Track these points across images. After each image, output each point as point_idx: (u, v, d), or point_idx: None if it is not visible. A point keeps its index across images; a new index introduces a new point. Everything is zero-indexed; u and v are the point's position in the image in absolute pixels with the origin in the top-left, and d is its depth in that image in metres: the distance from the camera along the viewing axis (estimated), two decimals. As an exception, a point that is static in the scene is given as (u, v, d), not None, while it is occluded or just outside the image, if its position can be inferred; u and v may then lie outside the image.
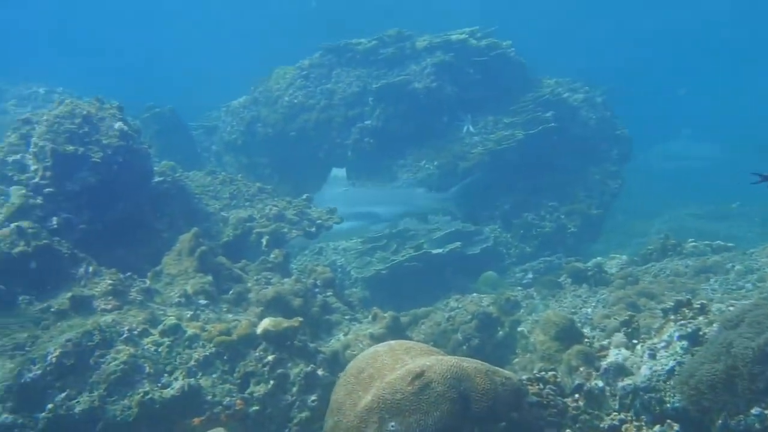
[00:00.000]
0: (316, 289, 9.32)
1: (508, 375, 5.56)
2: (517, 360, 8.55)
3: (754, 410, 5.24)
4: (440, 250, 13.16)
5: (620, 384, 6.01)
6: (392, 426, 5.05)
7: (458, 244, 13.38)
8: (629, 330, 6.97)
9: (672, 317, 6.74)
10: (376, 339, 8.16)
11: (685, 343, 6.29)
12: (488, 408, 5.22)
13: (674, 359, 6.15)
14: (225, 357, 7.19)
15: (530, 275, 13.53)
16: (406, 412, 5.07)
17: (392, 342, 6.07)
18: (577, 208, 15.88)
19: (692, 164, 32.12)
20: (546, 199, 16.05)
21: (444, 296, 11.86)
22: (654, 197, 26.28)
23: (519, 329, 9.30)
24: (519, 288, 12.42)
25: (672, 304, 6.89)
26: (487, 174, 15.70)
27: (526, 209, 15.80)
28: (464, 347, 8.74)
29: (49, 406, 6.32)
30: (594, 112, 17.95)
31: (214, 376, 7.06)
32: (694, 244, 11.84)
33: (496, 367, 5.63)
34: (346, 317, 9.12)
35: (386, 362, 5.62)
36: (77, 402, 6.40)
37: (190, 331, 7.33)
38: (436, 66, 16.98)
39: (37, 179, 9.13)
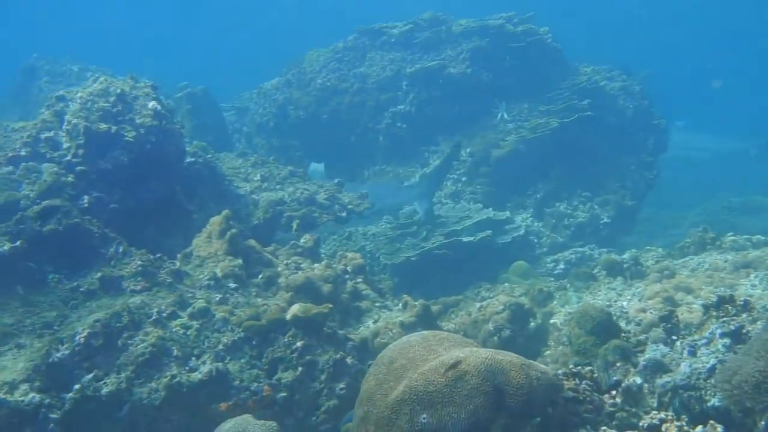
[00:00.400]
0: (347, 276, 9.22)
1: (543, 369, 5.41)
2: (549, 352, 8.41)
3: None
4: (471, 238, 12.97)
5: (659, 381, 5.84)
6: (424, 418, 4.93)
7: (489, 232, 13.18)
8: (669, 325, 6.79)
9: (714, 313, 6.57)
10: (407, 327, 8.05)
11: (727, 340, 6.12)
12: (523, 402, 5.08)
13: (716, 357, 5.97)
14: (253, 342, 7.12)
15: (562, 265, 13.31)
16: (439, 405, 4.95)
17: (425, 332, 5.94)
18: (611, 198, 15.64)
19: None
20: (580, 188, 15.80)
21: (474, 285, 11.72)
22: (683, 188, 25.93)
23: (552, 321, 9.14)
24: (551, 279, 12.21)
25: (714, 299, 6.71)
26: (521, 162, 15.52)
27: (559, 198, 15.57)
28: (495, 338, 8.58)
29: (77, 386, 6.28)
30: (631, 101, 17.63)
31: (242, 361, 6.98)
32: (733, 238, 11.56)
33: (531, 361, 5.48)
34: (376, 304, 9.01)
35: (419, 353, 5.49)
36: (104, 383, 6.36)
37: (218, 315, 7.26)
38: (471, 51, 16.81)
39: (69, 157, 9.10)
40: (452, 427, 4.91)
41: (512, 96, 16.70)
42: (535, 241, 14.78)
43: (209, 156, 11.36)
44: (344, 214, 11.12)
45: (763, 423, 5.19)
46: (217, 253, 8.53)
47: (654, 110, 18.11)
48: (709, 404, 5.57)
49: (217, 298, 7.74)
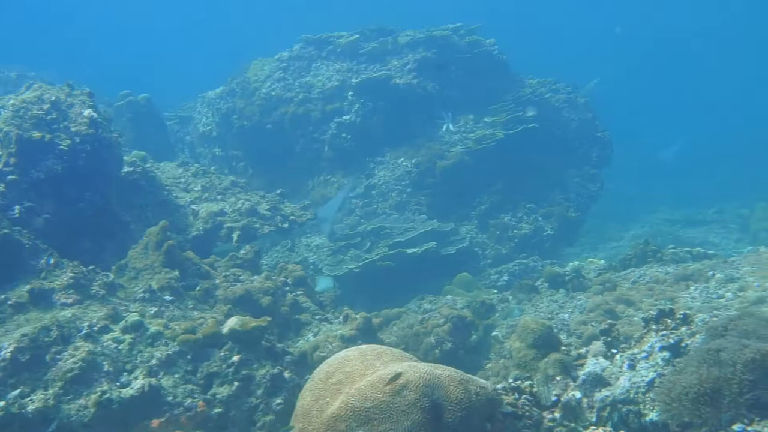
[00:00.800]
0: (287, 288, 9.06)
1: (482, 384, 5.33)
2: (490, 365, 8.34)
3: (737, 427, 5.06)
4: (415, 250, 12.90)
5: (598, 395, 5.80)
6: (359, 435, 4.82)
7: (433, 243, 13.12)
8: (608, 339, 6.77)
9: (653, 327, 6.55)
10: (347, 341, 7.92)
11: (666, 354, 6.11)
12: (461, 418, 5.00)
13: (655, 370, 5.96)
14: (188, 356, 6.90)
15: (505, 277, 13.32)
16: (376, 421, 4.84)
17: (363, 346, 5.82)
18: (555, 210, 15.70)
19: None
20: (524, 200, 15.84)
21: (417, 297, 11.64)
22: (626, 200, 26.23)
23: (493, 334, 9.10)
24: (494, 291, 12.18)
25: (654, 313, 6.70)
26: (466, 173, 15.51)
27: (504, 210, 15.58)
28: (436, 351, 8.49)
29: (1, 403, 6.02)
30: (576, 113, 17.78)
31: (176, 376, 6.77)
32: (674, 250, 11.67)
33: (471, 376, 5.40)
34: (317, 317, 8.86)
35: (356, 368, 5.37)
36: (31, 400, 6.10)
37: (152, 329, 7.04)
38: (418, 62, 16.78)
39: (0, 165, 8.78)
40: (389, 444, 4.80)
41: (458, 107, 16.73)
42: (480, 252, 14.77)
43: (148, 165, 11.12)
44: (286, 225, 10.95)
45: (698, 437, 5.17)
46: (153, 265, 8.31)
47: (598, 122, 18.27)
48: (647, 419, 5.55)
49: (152, 311, 7.52)
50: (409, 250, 12.95)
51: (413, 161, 15.88)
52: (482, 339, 9.02)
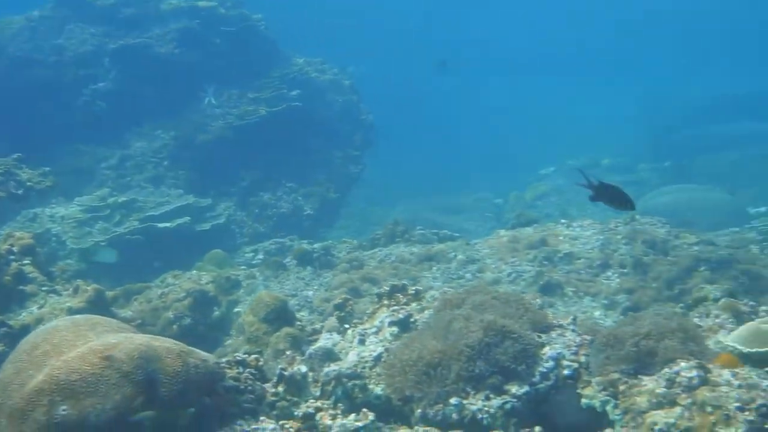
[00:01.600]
0: (12, 257, 8.37)
1: (203, 357, 5.10)
2: (230, 342, 8.14)
3: (453, 400, 5.15)
4: (168, 224, 12.45)
5: (326, 370, 5.74)
6: (63, 410, 4.44)
7: (188, 218, 12.72)
8: (342, 314, 6.76)
9: (386, 302, 6.60)
10: (75, 313, 7.41)
11: (395, 329, 6.15)
12: (177, 392, 4.75)
13: (383, 345, 5.98)
14: None
15: (261, 256, 13.13)
16: (82, 395, 4.49)
17: (77, 316, 5.44)
18: (315, 190, 15.72)
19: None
20: (285, 179, 15.73)
21: (168, 273, 11.21)
22: (394, 187, 26.82)
23: (236, 310, 8.90)
24: (243, 267, 11.98)
25: (387, 288, 6.75)
26: (227, 149, 15.17)
27: (264, 188, 15.40)
28: (175, 326, 8.17)
29: None
30: (341, 95, 17.87)
31: None
32: (421, 231, 11.99)
33: (193, 348, 5.15)
34: (44, 289, 8.26)
35: (66, 338, 4.98)
36: None
37: None
38: (180, 32, 16.18)
39: None
40: (95, 418, 4.46)
41: (221, 81, 16.29)
42: (237, 230, 14.53)
43: None
44: (21, 192, 10.14)
45: (419, 411, 5.22)
46: None
47: (363, 105, 18.48)
48: (372, 393, 5.54)
49: None
50: (161, 225, 12.49)
51: (172, 134, 15.36)
52: (225, 315, 8.80)
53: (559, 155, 29.73)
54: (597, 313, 9.03)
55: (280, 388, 5.40)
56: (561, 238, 11.03)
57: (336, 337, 6.39)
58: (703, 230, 14.04)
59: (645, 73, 44.62)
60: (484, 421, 5.09)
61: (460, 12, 53.92)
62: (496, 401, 5.13)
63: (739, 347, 5.13)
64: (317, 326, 6.92)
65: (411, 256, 10.52)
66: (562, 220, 12.11)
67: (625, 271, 9.95)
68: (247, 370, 5.45)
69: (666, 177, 23.80)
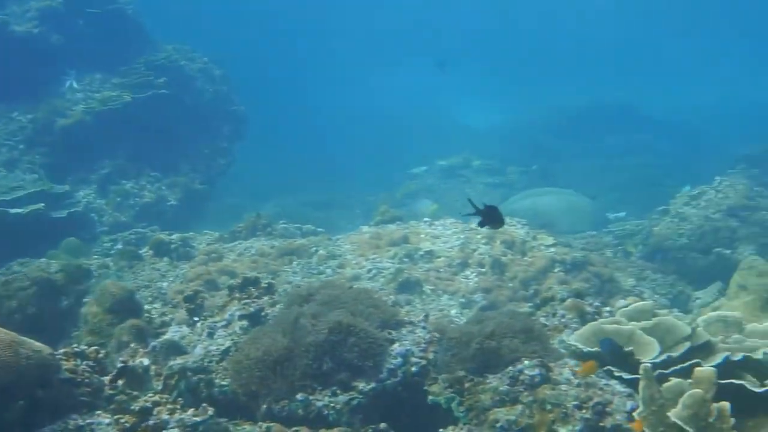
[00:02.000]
0: None
1: (37, 347, 4.87)
2: (76, 333, 7.83)
3: (299, 396, 5.12)
4: (19, 210, 11.89)
5: (170, 363, 5.60)
6: None
7: (42, 205, 12.18)
8: (192, 306, 6.61)
9: (237, 295, 6.50)
10: None
11: (245, 322, 6.09)
12: (8, 383, 4.53)
13: (232, 339, 5.90)
14: None
15: (120, 246, 12.71)
16: None
17: None
18: (180, 180, 15.36)
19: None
20: (149, 168, 15.30)
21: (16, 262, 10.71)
22: (270, 180, 26.59)
23: (86, 300, 8.57)
24: (96, 257, 11.57)
25: (239, 281, 6.66)
26: (88, 134, 14.63)
27: (127, 176, 14.93)
28: (17, 316, 7.79)
29: None
30: (211, 84, 17.53)
31: None
32: (284, 225, 11.89)
33: (25, 338, 4.91)
34: None
35: None
36: None
37: None
38: (41, 11, 15.48)
39: None
40: None
41: (85, 64, 15.72)
42: (96, 218, 14.00)
43: None
44: None
45: (264, 406, 5.15)
46: None
47: (234, 96, 18.20)
48: (217, 388, 5.45)
49: None
50: (13, 211, 11.93)
51: (29, 116, 14.65)
52: (74, 305, 8.44)
53: (434, 155, 30.13)
54: (453, 312, 9.15)
55: (120, 382, 5.21)
56: (423, 236, 11.15)
57: (185, 329, 6.27)
58: (563, 233, 14.52)
59: (532, 80, 45.52)
60: (330, 417, 5.09)
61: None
62: (342, 397, 5.14)
63: (580, 346, 5.28)
64: (167, 318, 6.74)
65: (271, 249, 10.40)
66: (425, 219, 12.24)
67: (483, 270, 10.14)
68: (86, 362, 5.24)
69: (533, 180, 24.42)
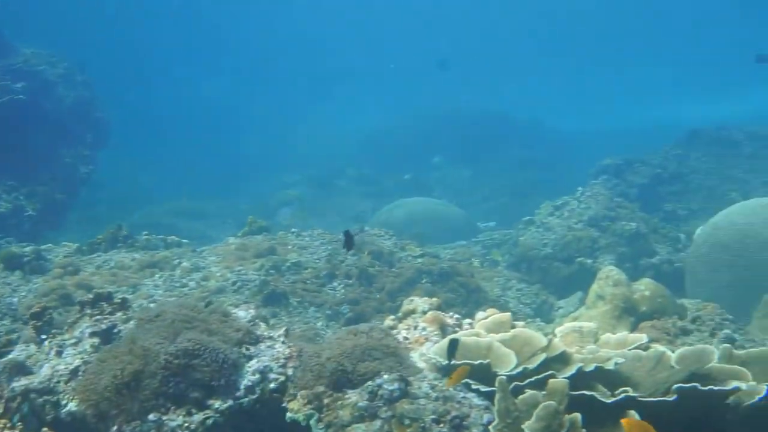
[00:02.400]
0: None
1: None
2: None
3: (152, 416, 4.92)
4: None
5: (13, 385, 5.28)
6: None
7: None
8: (40, 323, 6.27)
9: (89, 311, 6.21)
10: None
11: (96, 340, 5.81)
12: None
13: (81, 358, 5.62)
14: None
15: (-29, 259, 12.04)
16: None
17: None
18: (39, 189, 14.71)
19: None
20: (6, 177, 14.59)
21: None
22: (143, 190, 25.98)
23: None
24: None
25: (91, 296, 6.36)
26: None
27: (-19, 186, 14.22)
28: None
29: None
30: (72, 90, 16.90)
31: None
32: (147, 237, 11.52)
33: None
34: None
35: None
36: None
37: None
38: None
39: None
40: None
41: (-65, 68, 14.92)
42: (-54, 230, 13.27)
43: None
44: None
45: (115, 428, 4.93)
46: None
47: (98, 103, 17.63)
48: (65, 410, 5.17)
49: None
50: None
51: None
52: None
53: (309, 164, 30.09)
54: (320, 324, 9.03)
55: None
56: (290, 247, 11.01)
57: (32, 348, 5.92)
58: (434, 243, 14.64)
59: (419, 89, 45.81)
60: (184, 437, 4.90)
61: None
62: (197, 416, 4.96)
63: (440, 359, 5.26)
64: (14, 337, 6.39)
65: (132, 262, 10.05)
66: (293, 229, 12.10)
67: (350, 282, 10.07)
68: None
69: (407, 190, 24.64)
